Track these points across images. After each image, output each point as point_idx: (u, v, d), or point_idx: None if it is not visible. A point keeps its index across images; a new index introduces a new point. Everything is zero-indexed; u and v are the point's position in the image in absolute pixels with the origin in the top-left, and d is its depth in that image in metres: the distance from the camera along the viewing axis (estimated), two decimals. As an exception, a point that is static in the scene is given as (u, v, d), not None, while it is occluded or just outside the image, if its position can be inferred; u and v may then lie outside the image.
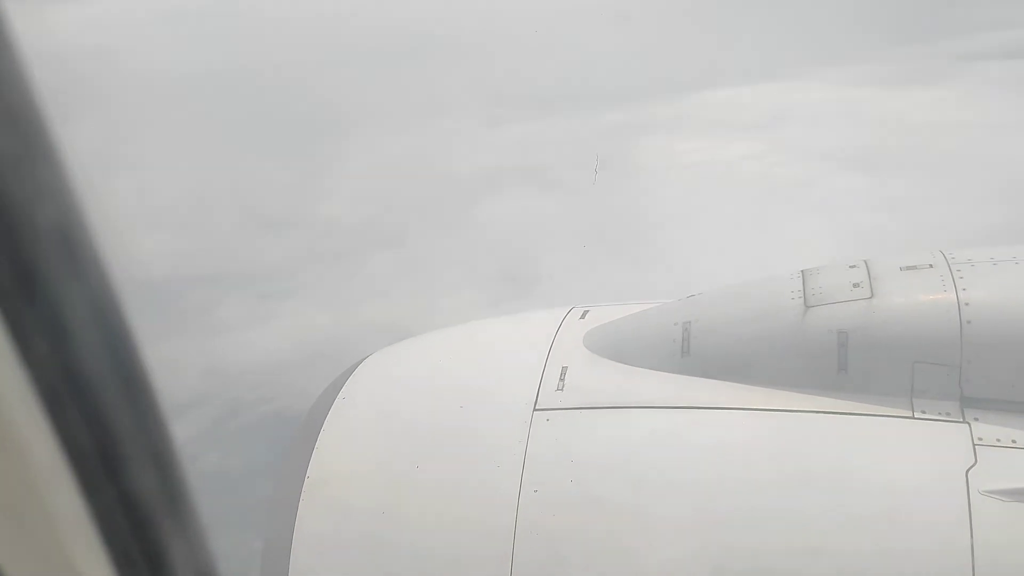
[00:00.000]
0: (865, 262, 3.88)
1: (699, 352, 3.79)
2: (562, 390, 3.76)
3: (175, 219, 10.07)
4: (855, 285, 3.72)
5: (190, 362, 9.24)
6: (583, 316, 4.26)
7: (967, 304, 3.53)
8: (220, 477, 8.47)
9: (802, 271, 3.92)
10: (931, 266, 3.73)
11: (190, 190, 10.21)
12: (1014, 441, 3.39)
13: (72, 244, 0.80)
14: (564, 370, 3.84)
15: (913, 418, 3.51)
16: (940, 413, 3.50)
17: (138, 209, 9.97)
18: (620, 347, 3.94)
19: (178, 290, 9.67)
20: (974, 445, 3.39)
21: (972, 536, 3.19)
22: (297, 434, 3.90)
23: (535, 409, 3.69)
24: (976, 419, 3.46)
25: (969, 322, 3.50)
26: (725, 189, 16.94)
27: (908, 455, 3.44)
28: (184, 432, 8.28)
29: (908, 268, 3.76)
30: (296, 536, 3.56)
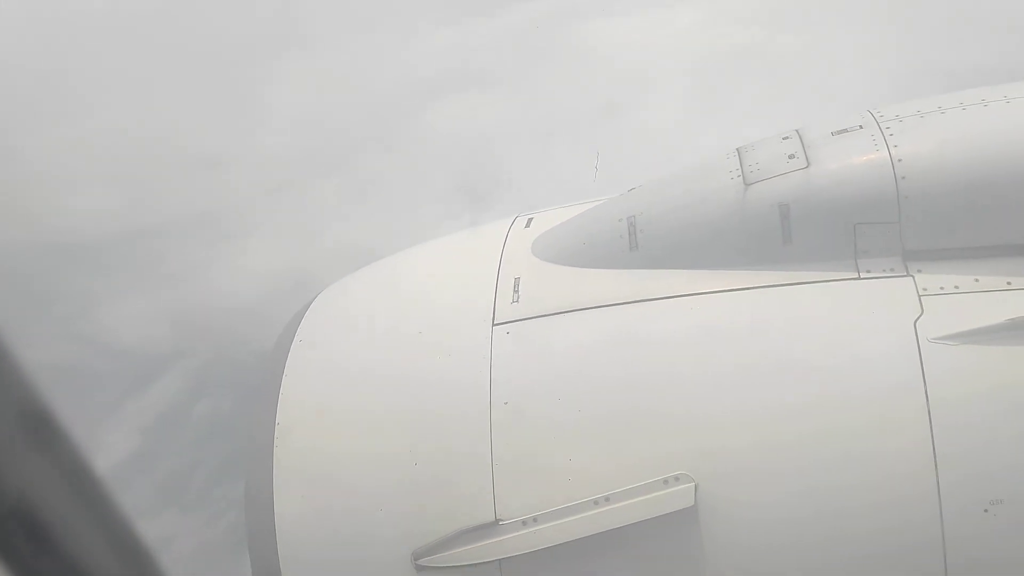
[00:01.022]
0: (797, 132, 3.90)
1: (646, 245, 3.83)
2: (517, 302, 3.80)
3: (103, 173, 9.78)
4: (790, 157, 3.76)
5: (158, 317, 9.17)
6: (528, 224, 4.27)
7: (900, 160, 3.59)
8: (216, 423, 8.56)
9: (737, 149, 3.94)
10: (861, 127, 3.77)
11: (110, 141, 9.87)
12: (956, 287, 3.51)
13: None
14: (517, 281, 3.88)
15: (859, 279, 3.61)
16: (884, 270, 3.60)
17: (61, 169, 9.67)
18: (569, 251, 3.97)
19: (127, 246, 9.49)
20: (919, 296, 3.50)
21: (925, 383, 3.33)
22: (261, 381, 3.92)
23: (494, 324, 3.73)
24: (919, 271, 3.57)
25: (904, 177, 3.57)
26: (674, 64, 16.74)
27: (858, 314, 3.55)
28: (172, 385, 8.29)
29: (839, 132, 3.79)
30: (276, 482, 3.62)
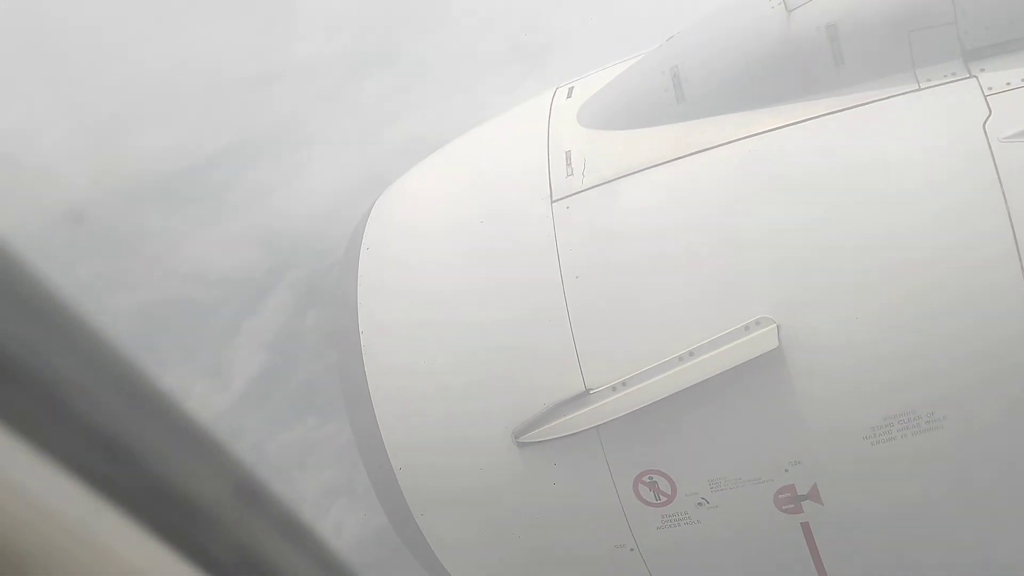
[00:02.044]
0: None
1: (693, 94, 3.73)
2: (572, 175, 3.78)
3: (154, 111, 9.91)
4: None
5: (246, 241, 9.43)
6: (569, 94, 4.20)
7: None
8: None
9: None
10: None
11: (152, 80, 9.94)
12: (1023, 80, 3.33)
13: None
14: (568, 155, 3.85)
15: (920, 90, 3.45)
16: (945, 76, 3.43)
17: (114, 115, 9.84)
18: (615, 114, 3.91)
19: (198, 177, 9.73)
20: (985, 96, 3.34)
21: (1002, 185, 3.22)
22: (338, 293, 4.08)
23: (552, 201, 3.74)
24: (982, 70, 3.39)
25: None
26: None
27: (924, 126, 3.41)
28: (279, 302, 8.59)
29: None
30: (372, 386, 3.82)
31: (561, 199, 3.74)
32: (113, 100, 9.79)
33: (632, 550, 3.69)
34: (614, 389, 3.53)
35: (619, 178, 3.72)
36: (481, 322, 3.71)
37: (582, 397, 3.56)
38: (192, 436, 0.81)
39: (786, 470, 3.47)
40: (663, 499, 3.61)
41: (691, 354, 3.46)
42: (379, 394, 3.81)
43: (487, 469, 3.70)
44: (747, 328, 3.41)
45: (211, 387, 8.28)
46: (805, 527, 3.57)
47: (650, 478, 3.59)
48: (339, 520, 7.21)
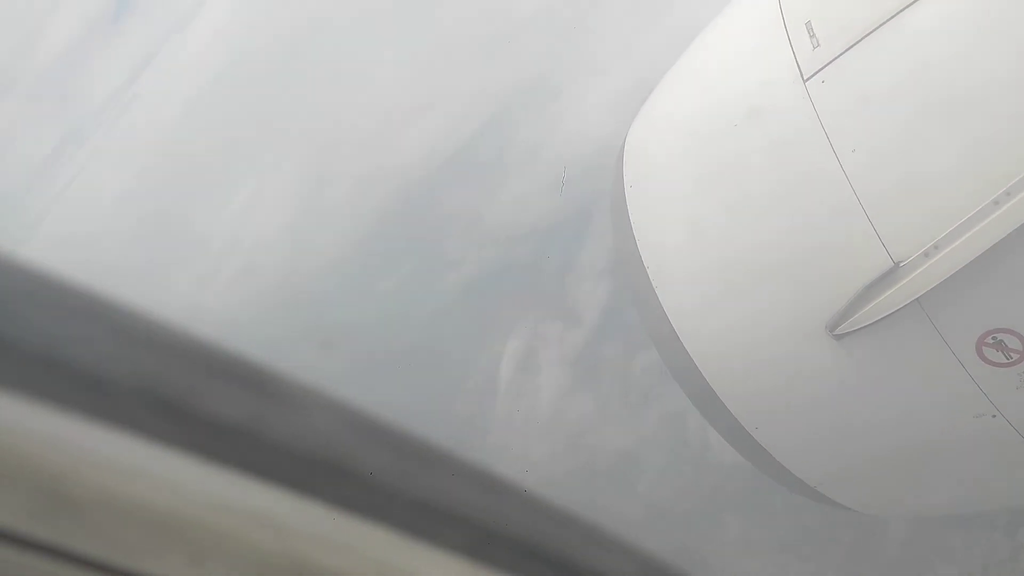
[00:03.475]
0: None
1: None
2: (819, 45, 3.51)
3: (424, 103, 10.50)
4: None
5: (540, 192, 9.72)
6: None
7: None
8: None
9: None
10: None
11: (407, 83, 10.49)
12: None
13: None
14: (808, 25, 3.57)
15: None
16: None
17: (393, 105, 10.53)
18: None
19: (470, 148, 10.22)
20: None
21: None
22: (617, 240, 4.14)
23: (805, 80, 3.50)
24: None
25: None
26: None
27: None
28: (599, 226, 8.74)
29: None
30: (667, 308, 3.84)
31: (814, 75, 3.48)
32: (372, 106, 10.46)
33: (994, 416, 3.41)
34: (926, 255, 3.26)
35: (867, 35, 3.39)
36: (765, 228, 3.58)
37: (892, 273, 3.33)
38: None
39: None
40: (1015, 356, 3.28)
41: (1007, 194, 3.10)
42: (685, 328, 3.81)
43: (812, 372, 3.60)
44: None
45: (565, 328, 8.52)
46: None
47: (993, 338, 3.28)
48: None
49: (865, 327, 3.40)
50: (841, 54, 3.43)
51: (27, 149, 13.14)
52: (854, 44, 3.41)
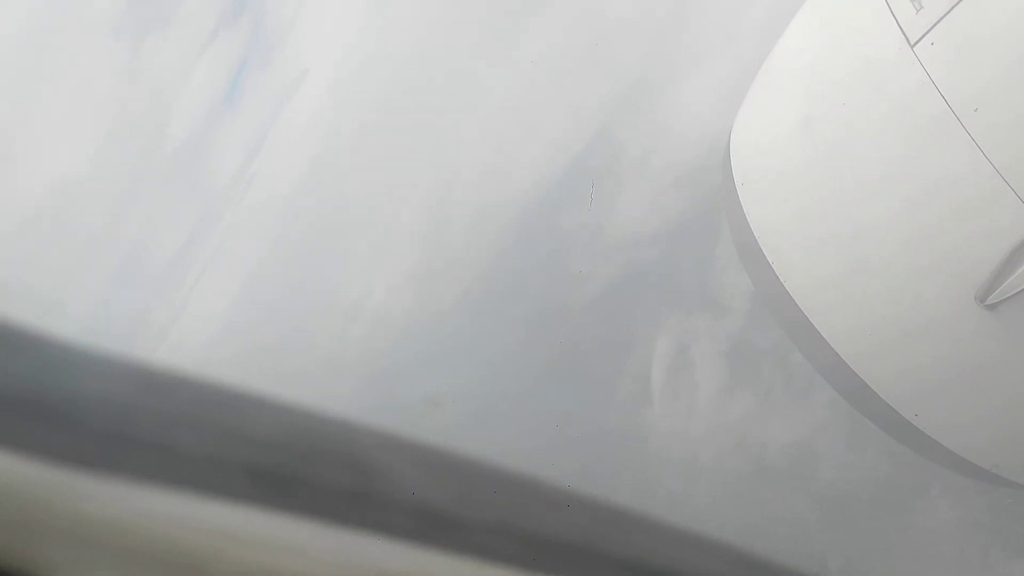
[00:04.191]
0: None
1: None
2: (922, 7, 3.35)
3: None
4: None
5: (657, 198, 9.65)
6: None
7: None
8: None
9: None
10: None
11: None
12: None
13: None
14: None
15: None
16: None
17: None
18: None
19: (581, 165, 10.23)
20: None
21: None
22: (736, 240, 4.02)
23: (912, 46, 3.36)
24: None
25: None
26: None
27: None
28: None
29: None
30: (795, 293, 3.71)
31: (921, 38, 3.33)
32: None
33: None
34: None
35: None
36: (891, 201, 3.46)
37: None
38: None
39: None
40: None
41: None
42: (825, 323, 3.67)
43: (966, 346, 3.41)
44: None
45: (715, 319, 8.36)
46: None
47: None
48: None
49: (1019, 292, 3.20)
50: (947, 13, 3.27)
51: (166, 236, 13.93)
52: (960, 1, 3.24)
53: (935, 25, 3.31)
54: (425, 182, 11.25)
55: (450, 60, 10.94)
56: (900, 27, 3.40)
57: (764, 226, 3.84)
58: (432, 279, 10.90)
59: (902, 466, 6.14)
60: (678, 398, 8.07)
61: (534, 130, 10.47)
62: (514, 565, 0.71)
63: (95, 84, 13.02)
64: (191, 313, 12.76)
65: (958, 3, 3.23)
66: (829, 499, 6.91)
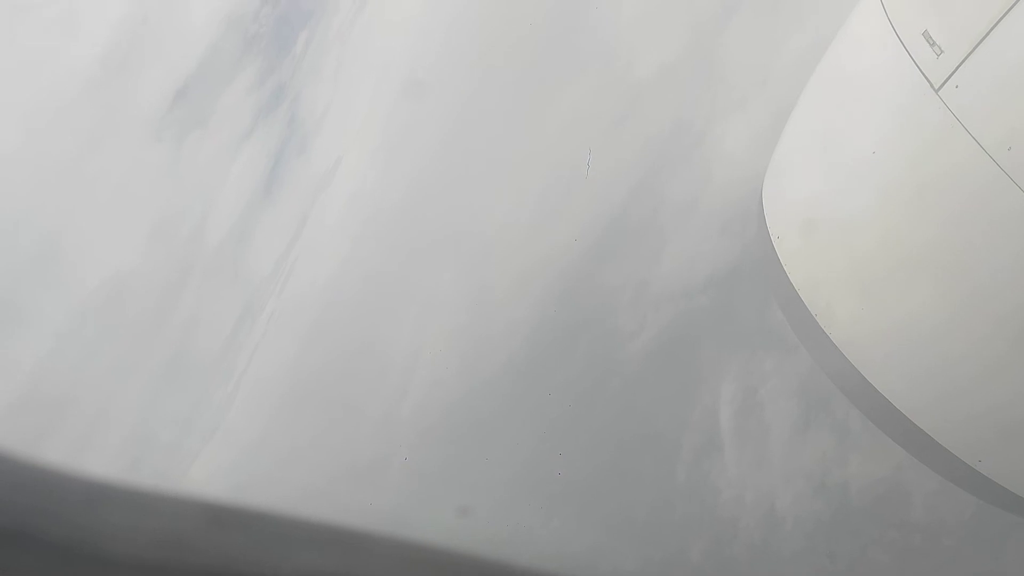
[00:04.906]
0: None
1: None
2: (942, 51, 3.32)
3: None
4: None
5: (706, 243, 9.51)
6: None
7: None
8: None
9: None
10: None
11: None
12: None
13: None
14: (926, 34, 3.39)
15: None
16: None
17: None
18: None
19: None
20: None
21: None
22: (779, 297, 4.02)
23: (937, 91, 3.30)
24: None
25: None
26: None
27: None
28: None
29: None
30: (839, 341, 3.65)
31: (945, 82, 3.28)
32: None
33: None
34: None
35: (997, 23, 3.16)
36: (938, 254, 3.40)
37: None
38: None
39: None
40: None
41: None
42: (871, 368, 3.59)
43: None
44: None
45: (782, 358, 8.10)
46: None
47: None
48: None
49: None
50: (969, 55, 3.23)
51: (212, 328, 14.01)
52: (980, 42, 3.19)
53: (958, 68, 3.28)
54: (465, 250, 11.24)
55: (483, 128, 11.08)
56: (922, 72, 3.36)
57: (805, 281, 3.82)
58: (476, 347, 10.77)
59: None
60: (749, 444, 7.75)
61: (571, 188, 10.46)
62: None
63: (137, 185, 13.34)
64: (240, 406, 12.73)
65: (979, 44, 3.20)
66: (926, 537, 6.50)
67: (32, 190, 13.02)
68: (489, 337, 10.62)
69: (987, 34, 3.17)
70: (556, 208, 10.52)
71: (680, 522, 7.59)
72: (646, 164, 9.98)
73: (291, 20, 13.58)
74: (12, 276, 12.74)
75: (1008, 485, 3.54)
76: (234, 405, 12.99)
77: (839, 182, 3.78)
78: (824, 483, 7.18)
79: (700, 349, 8.58)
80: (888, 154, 3.52)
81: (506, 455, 8.71)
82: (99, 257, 12.91)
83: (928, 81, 3.36)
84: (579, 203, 10.41)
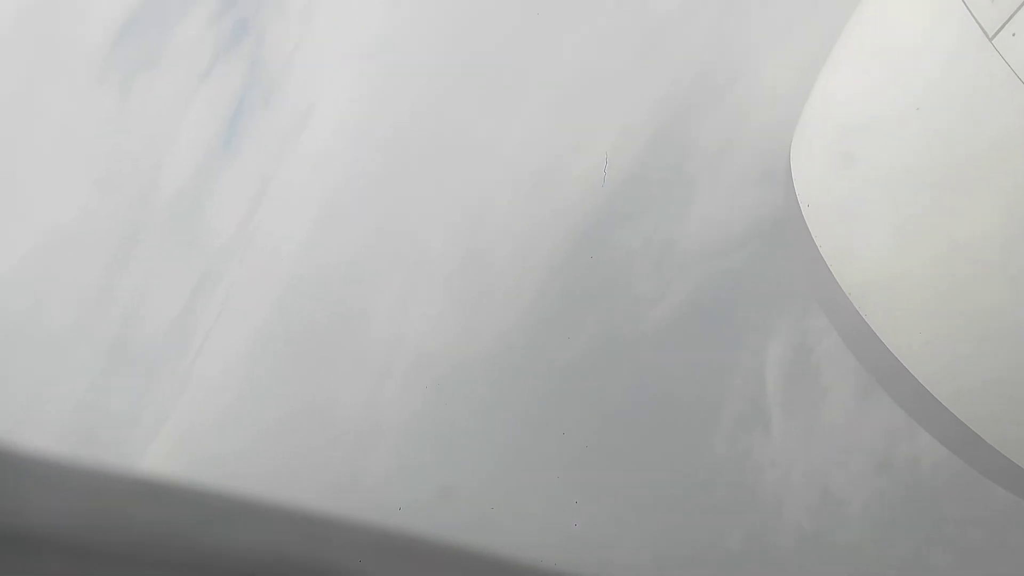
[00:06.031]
0: None
1: None
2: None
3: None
4: None
5: (730, 201, 8.71)
6: None
7: None
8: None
9: None
10: None
11: None
12: None
13: None
14: None
15: None
16: None
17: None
18: None
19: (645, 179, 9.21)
20: None
21: None
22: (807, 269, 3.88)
23: (991, 39, 3.14)
24: None
25: None
26: None
27: None
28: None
29: None
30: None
31: (1000, 29, 3.14)
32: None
33: None
34: None
35: None
36: (985, 210, 3.31)
37: None
38: None
39: None
40: None
41: None
42: (912, 357, 3.42)
43: None
44: None
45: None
46: None
47: None
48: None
49: None
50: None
51: (163, 301, 12.88)
52: None
53: (1014, 14, 3.18)
54: (458, 207, 10.13)
55: (481, 59, 9.90)
56: (976, 19, 3.29)
57: (839, 257, 3.73)
58: (472, 317, 9.69)
59: None
60: (799, 414, 6.90)
61: (583, 135, 9.34)
62: None
63: (79, 133, 12.02)
64: (198, 379, 11.67)
65: None
66: (999, 511, 5.87)
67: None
68: (485, 308, 9.57)
69: None
70: (564, 159, 9.40)
71: (715, 505, 6.69)
72: (671, 107, 8.96)
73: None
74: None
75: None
76: (189, 385, 11.93)
77: (879, 140, 3.69)
78: (888, 459, 6.19)
79: (738, 311, 7.67)
80: (935, 109, 3.44)
81: (497, 435, 7.74)
82: (34, 215, 11.68)
83: (981, 28, 3.28)
84: (591, 154, 9.30)
